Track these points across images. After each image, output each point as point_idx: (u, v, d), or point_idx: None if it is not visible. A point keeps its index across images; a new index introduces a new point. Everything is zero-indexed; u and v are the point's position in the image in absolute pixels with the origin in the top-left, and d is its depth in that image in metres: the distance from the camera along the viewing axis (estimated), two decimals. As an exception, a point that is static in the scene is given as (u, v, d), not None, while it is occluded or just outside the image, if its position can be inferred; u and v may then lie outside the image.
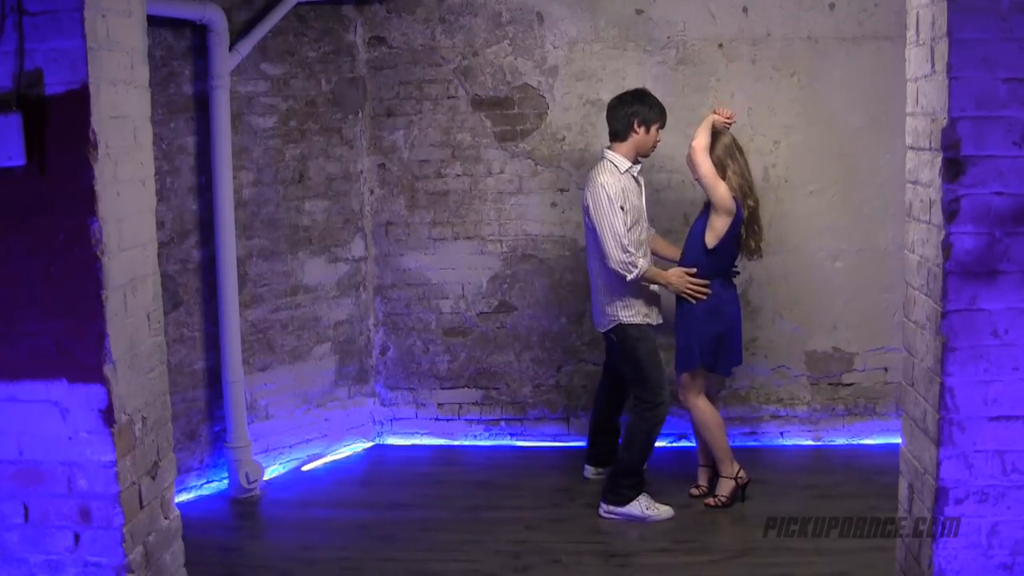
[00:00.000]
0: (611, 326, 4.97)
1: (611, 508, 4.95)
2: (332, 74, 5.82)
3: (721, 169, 4.83)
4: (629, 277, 4.80)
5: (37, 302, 2.97)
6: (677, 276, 4.91)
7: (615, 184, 4.82)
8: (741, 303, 5.22)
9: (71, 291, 2.95)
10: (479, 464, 5.86)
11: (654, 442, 5.00)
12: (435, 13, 5.86)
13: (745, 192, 4.88)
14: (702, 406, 5.05)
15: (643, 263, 4.84)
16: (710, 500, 5.06)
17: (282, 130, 5.63)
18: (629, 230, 4.82)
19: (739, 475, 5.07)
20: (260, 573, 4.54)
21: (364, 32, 5.92)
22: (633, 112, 4.87)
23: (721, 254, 4.91)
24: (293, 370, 5.80)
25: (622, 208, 4.79)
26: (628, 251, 4.78)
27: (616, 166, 4.89)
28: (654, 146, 4.98)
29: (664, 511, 4.93)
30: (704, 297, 4.90)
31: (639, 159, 4.99)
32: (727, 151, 4.87)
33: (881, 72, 5.59)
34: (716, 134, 4.88)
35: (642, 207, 5.00)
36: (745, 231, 4.92)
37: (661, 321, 5.08)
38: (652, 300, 5.01)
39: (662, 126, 4.95)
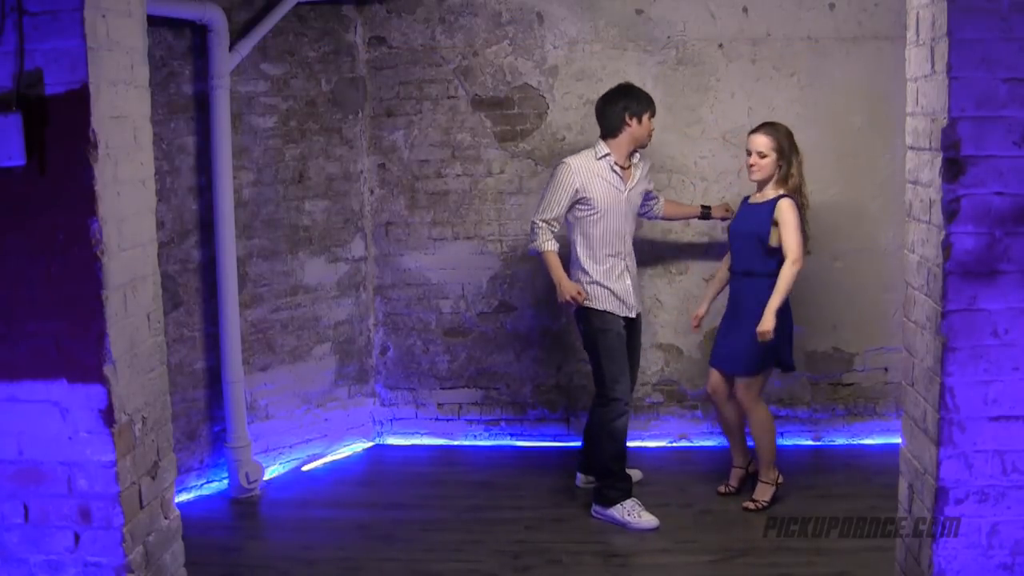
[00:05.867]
0: (575, 309, 4.98)
1: (598, 508, 4.97)
2: (332, 74, 5.82)
3: (791, 166, 4.91)
4: (529, 246, 4.97)
5: (37, 302, 2.97)
6: (570, 286, 4.90)
7: (578, 166, 4.90)
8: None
9: (71, 291, 2.95)
10: (479, 464, 5.86)
11: (619, 440, 4.93)
12: (435, 13, 5.86)
13: (802, 196, 4.94)
14: (762, 409, 5.00)
15: (544, 244, 4.88)
16: (749, 504, 4.99)
17: (282, 130, 5.64)
18: (591, 216, 4.88)
19: (778, 480, 5.04)
20: (260, 573, 4.54)
21: (364, 32, 5.92)
22: (623, 106, 4.89)
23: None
24: (293, 370, 5.80)
25: (576, 190, 4.86)
26: (545, 223, 4.87)
27: (594, 151, 4.94)
28: (650, 136, 4.98)
29: (647, 520, 4.84)
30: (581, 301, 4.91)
31: (637, 151, 5.00)
32: (798, 160, 4.94)
33: (881, 72, 5.59)
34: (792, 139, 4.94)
35: (620, 200, 4.94)
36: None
37: (632, 315, 5.02)
38: (622, 290, 4.97)
39: (653, 115, 4.95)
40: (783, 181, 4.91)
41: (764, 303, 4.83)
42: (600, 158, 4.92)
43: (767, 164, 4.88)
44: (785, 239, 4.83)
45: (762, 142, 4.89)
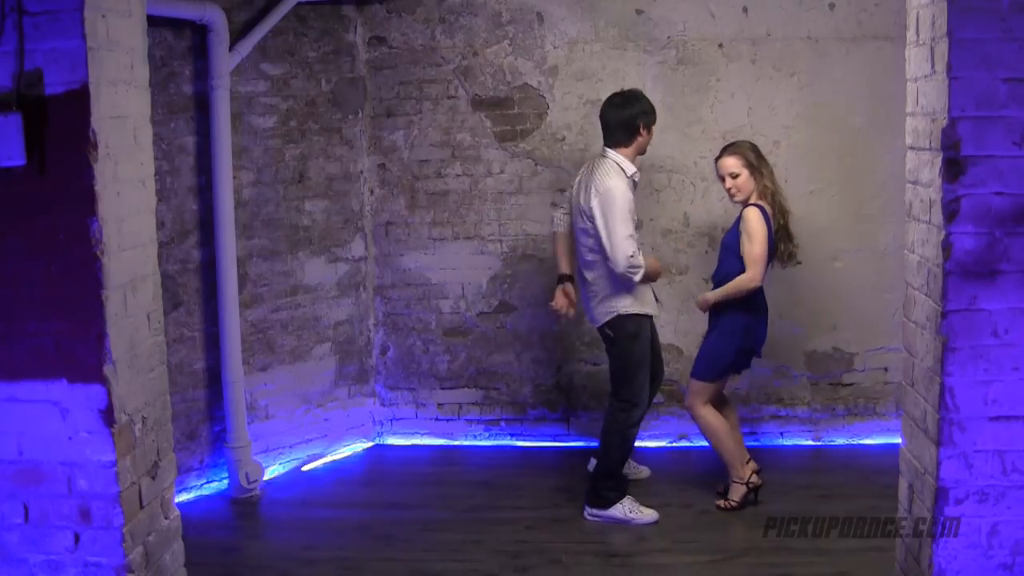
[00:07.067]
0: (609, 317, 4.89)
1: (594, 511, 4.95)
2: (332, 74, 5.82)
3: (764, 178, 4.87)
4: (635, 279, 4.75)
5: (37, 302, 2.97)
6: (660, 268, 5.06)
7: (624, 187, 4.76)
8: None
9: (71, 291, 2.95)
10: (479, 464, 5.86)
11: (631, 443, 4.98)
12: (435, 13, 5.86)
13: (776, 205, 4.89)
14: (706, 414, 4.99)
15: (643, 261, 4.80)
16: (720, 503, 5.03)
17: (282, 130, 5.63)
18: (631, 234, 4.81)
19: (751, 479, 5.03)
20: (260, 573, 4.54)
21: (364, 32, 5.92)
22: (638, 114, 4.82)
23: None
24: (293, 370, 5.80)
25: (629, 212, 4.75)
26: (636, 252, 4.72)
27: (623, 169, 4.82)
28: (648, 146, 4.97)
29: (648, 514, 4.90)
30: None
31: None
32: (768, 169, 4.91)
33: (881, 72, 5.59)
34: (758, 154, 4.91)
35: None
36: (778, 242, 4.90)
37: (658, 313, 5.05)
38: (646, 290, 4.97)
39: (655, 126, 4.95)
40: (761, 193, 4.89)
41: (727, 309, 4.88)
42: (630, 176, 4.83)
43: (743, 182, 4.86)
44: (745, 250, 4.82)
45: (731, 163, 4.87)
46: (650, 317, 5.01)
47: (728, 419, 5.12)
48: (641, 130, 4.84)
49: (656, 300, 5.11)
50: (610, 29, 5.80)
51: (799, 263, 5.15)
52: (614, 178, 4.76)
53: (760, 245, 4.78)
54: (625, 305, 4.87)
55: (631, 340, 4.90)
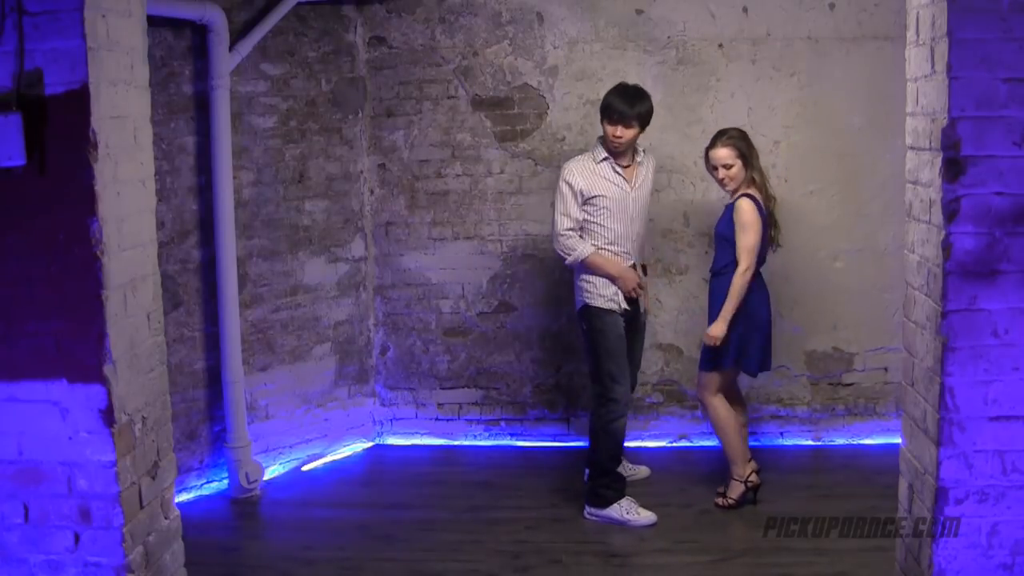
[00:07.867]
0: (578, 307, 4.97)
1: (592, 510, 4.96)
2: (332, 74, 5.82)
3: (754, 168, 4.89)
4: (567, 260, 4.87)
5: (37, 302, 2.97)
6: (630, 276, 4.89)
7: (578, 168, 4.88)
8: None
9: (71, 291, 2.95)
10: (479, 464, 5.86)
11: (618, 440, 4.94)
12: (435, 13, 5.86)
13: (764, 192, 4.91)
14: (718, 405, 5.00)
15: (583, 249, 4.82)
16: (719, 500, 5.05)
17: (282, 130, 5.64)
18: (598, 217, 4.84)
19: (750, 478, 5.03)
20: (260, 573, 4.54)
21: (364, 32, 5.92)
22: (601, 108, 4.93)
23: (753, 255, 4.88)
24: (293, 370, 5.80)
25: (581, 192, 4.83)
26: (568, 232, 4.82)
27: (593, 155, 4.93)
28: (612, 139, 4.84)
29: (645, 516, 4.88)
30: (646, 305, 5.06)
31: (642, 149, 5.02)
32: (756, 156, 4.93)
33: (881, 72, 5.59)
34: (748, 144, 4.92)
35: (627, 201, 4.91)
36: (768, 228, 4.93)
37: (620, 310, 4.94)
38: (607, 286, 4.91)
39: (608, 121, 4.83)
40: (751, 181, 4.90)
41: (723, 299, 4.87)
42: (600, 161, 4.90)
43: (736, 172, 4.87)
44: (738, 242, 4.83)
45: (725, 154, 4.87)
46: (620, 315, 4.93)
47: (738, 417, 5.11)
48: (601, 121, 4.89)
49: (626, 301, 4.94)
50: (610, 29, 5.80)
51: (780, 246, 5.12)
52: (574, 160, 4.97)
53: (754, 235, 4.81)
54: (588, 295, 4.91)
55: (595, 335, 4.91)
